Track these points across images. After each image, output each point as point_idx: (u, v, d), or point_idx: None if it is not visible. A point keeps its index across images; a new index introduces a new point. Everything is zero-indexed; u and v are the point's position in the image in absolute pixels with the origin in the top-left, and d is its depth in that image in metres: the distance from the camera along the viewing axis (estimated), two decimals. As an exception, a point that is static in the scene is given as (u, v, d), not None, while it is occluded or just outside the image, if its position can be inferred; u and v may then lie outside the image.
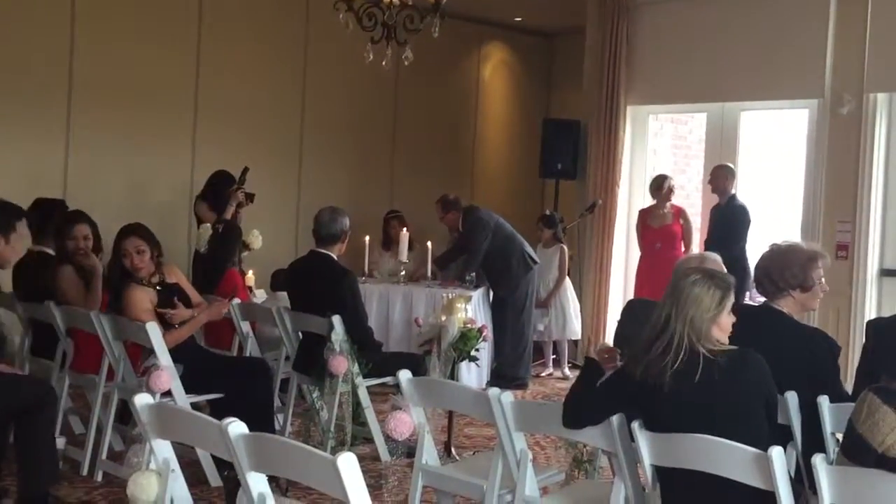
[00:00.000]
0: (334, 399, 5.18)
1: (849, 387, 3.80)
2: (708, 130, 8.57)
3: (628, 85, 8.53)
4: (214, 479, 4.66)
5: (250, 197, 6.76)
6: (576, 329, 8.32)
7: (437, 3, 6.27)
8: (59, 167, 7.36)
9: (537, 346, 8.21)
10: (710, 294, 3.10)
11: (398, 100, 9.51)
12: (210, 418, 2.79)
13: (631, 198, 8.78)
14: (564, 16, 9.41)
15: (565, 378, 8.05)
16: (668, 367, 3.04)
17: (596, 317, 8.64)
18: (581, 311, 8.44)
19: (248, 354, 5.67)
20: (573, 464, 4.26)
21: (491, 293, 7.63)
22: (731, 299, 3.16)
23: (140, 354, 4.93)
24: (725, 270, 3.94)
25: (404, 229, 7.74)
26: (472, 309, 6.51)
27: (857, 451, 2.72)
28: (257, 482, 2.68)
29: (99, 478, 4.86)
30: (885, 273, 7.27)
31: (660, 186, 7.99)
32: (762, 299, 3.91)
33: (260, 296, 7.10)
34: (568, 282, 8.34)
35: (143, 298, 4.78)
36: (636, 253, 8.37)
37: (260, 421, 4.85)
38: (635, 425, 3.14)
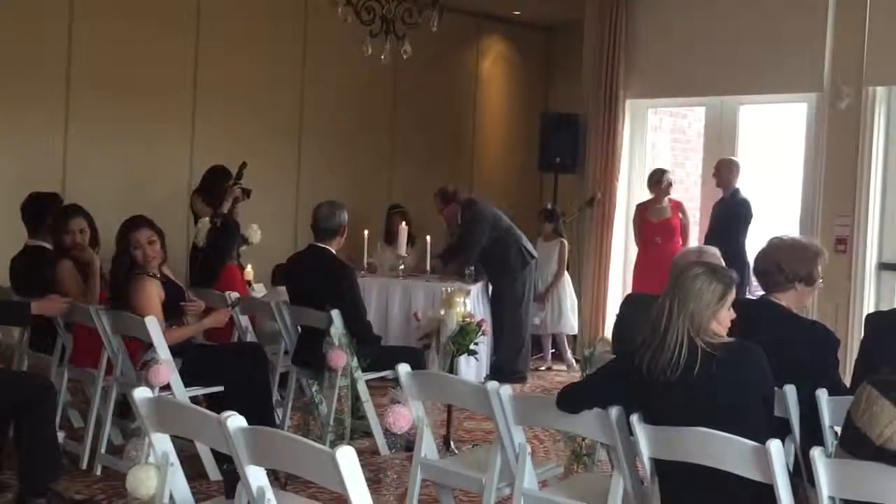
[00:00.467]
0: (333, 393, 5.18)
1: (847, 380, 3.81)
2: (707, 124, 8.57)
3: (627, 79, 8.52)
4: (214, 472, 4.67)
5: (247, 192, 6.75)
6: (572, 323, 8.32)
7: (435, -4, 6.28)
8: (56, 160, 7.34)
9: (536, 340, 8.22)
10: (711, 289, 3.11)
11: (397, 94, 9.50)
12: (209, 412, 2.79)
13: (630, 192, 8.78)
14: (563, 9, 9.40)
15: (570, 367, 8.06)
16: (668, 361, 3.05)
17: (595, 311, 8.64)
18: (580, 305, 8.45)
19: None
20: (572, 457, 4.28)
21: (489, 287, 7.63)
22: (732, 295, 3.17)
23: (139, 348, 4.93)
24: (724, 264, 3.95)
25: (403, 223, 7.74)
26: (471, 303, 6.51)
27: (856, 443, 2.73)
28: (256, 476, 2.68)
29: (98, 472, 4.86)
30: (884, 267, 7.27)
31: (658, 181, 7.98)
32: (761, 293, 3.91)
33: (259, 290, 7.10)
34: (566, 276, 8.34)
35: (155, 292, 4.81)
36: (635, 247, 8.37)
37: (259, 404, 4.89)
38: (634, 419, 3.15)
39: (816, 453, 2.75)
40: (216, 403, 4.75)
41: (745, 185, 7.58)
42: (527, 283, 7.66)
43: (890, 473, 2.61)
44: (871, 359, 3.57)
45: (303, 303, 5.50)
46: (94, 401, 5.03)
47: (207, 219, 6.48)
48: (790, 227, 7.55)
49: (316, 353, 5.22)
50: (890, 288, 7.23)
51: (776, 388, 3.38)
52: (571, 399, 3.33)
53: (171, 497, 2.98)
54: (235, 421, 2.64)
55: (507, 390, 3.50)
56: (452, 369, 5.26)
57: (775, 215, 8.38)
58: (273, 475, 2.91)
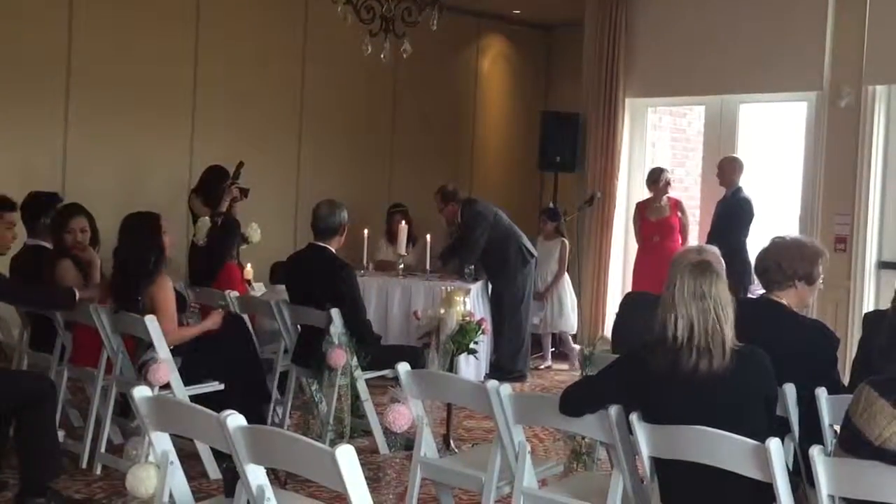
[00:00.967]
0: (333, 392, 5.18)
1: (846, 379, 3.81)
2: (706, 123, 8.57)
3: (627, 77, 8.52)
4: (213, 471, 4.67)
5: (245, 192, 6.75)
6: (572, 322, 8.32)
7: (435, -5, 6.28)
8: (56, 159, 7.35)
9: (536, 339, 8.22)
10: (726, 289, 3.11)
11: (396, 93, 9.50)
12: (209, 411, 2.79)
13: (630, 190, 8.79)
14: (563, 8, 9.40)
15: (573, 366, 8.04)
16: (680, 360, 3.04)
17: (595, 309, 8.65)
18: (580, 304, 8.45)
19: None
20: (571, 456, 4.27)
21: (489, 286, 7.63)
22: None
23: (136, 346, 4.94)
24: (724, 263, 3.96)
25: (403, 222, 7.74)
26: (471, 302, 6.51)
27: (854, 443, 2.73)
28: (256, 474, 2.68)
29: (98, 471, 4.86)
30: (884, 265, 7.27)
31: (656, 180, 7.99)
32: (761, 292, 3.91)
33: (259, 289, 7.10)
34: (566, 276, 8.34)
35: (172, 290, 4.88)
36: (635, 245, 8.38)
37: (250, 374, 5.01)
38: (633, 417, 3.15)
39: (815, 452, 2.75)
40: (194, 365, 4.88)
41: (745, 183, 7.58)
42: (527, 282, 7.66)
43: (888, 472, 2.62)
44: (869, 358, 3.57)
45: (302, 302, 5.50)
46: (93, 400, 5.03)
47: (207, 218, 6.48)
48: (790, 226, 7.56)
49: (316, 352, 5.22)
50: (889, 287, 7.21)
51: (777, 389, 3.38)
52: (574, 403, 3.30)
53: (171, 496, 2.98)
54: (235, 420, 2.64)
55: (506, 389, 3.50)
56: (452, 368, 5.26)
57: (775, 214, 8.38)
58: (273, 474, 2.91)
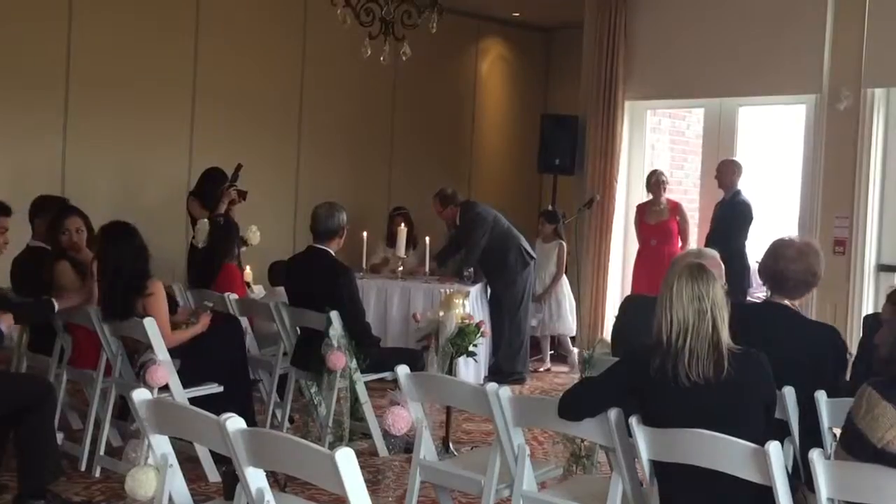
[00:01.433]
0: (332, 394, 5.18)
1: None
2: (706, 126, 8.57)
3: (626, 80, 8.53)
4: (213, 474, 4.67)
5: (243, 194, 6.75)
6: (570, 325, 8.32)
7: (434, -2, 6.28)
8: (56, 163, 7.35)
9: (535, 342, 8.21)
10: (723, 294, 3.11)
11: (396, 95, 9.50)
12: (208, 414, 2.79)
13: (629, 193, 8.79)
14: (562, 11, 9.40)
15: (573, 368, 8.04)
16: (678, 363, 3.04)
17: (594, 312, 8.64)
18: (579, 307, 8.44)
19: (247, 350, 5.69)
20: (571, 459, 4.27)
21: (488, 288, 7.64)
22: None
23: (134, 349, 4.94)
24: (723, 266, 3.95)
25: (402, 224, 7.74)
26: (470, 304, 6.51)
27: (856, 445, 2.73)
28: (255, 477, 2.68)
29: (97, 473, 4.86)
30: (883, 268, 7.27)
31: (650, 181, 8.05)
32: (760, 295, 3.90)
33: (258, 291, 7.10)
34: (565, 278, 8.34)
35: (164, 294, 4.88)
36: (634, 248, 8.38)
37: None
38: (633, 420, 3.14)
39: (815, 455, 2.75)
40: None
41: (744, 186, 7.58)
42: (526, 284, 7.66)
43: (888, 475, 2.61)
44: (868, 360, 3.57)
45: (302, 304, 5.50)
46: (92, 402, 5.03)
47: (206, 220, 6.47)
48: (789, 229, 7.55)
49: (315, 354, 5.22)
50: (888, 289, 7.22)
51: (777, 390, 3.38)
52: (573, 407, 3.29)
53: (171, 499, 2.98)
54: (235, 423, 2.64)
55: (506, 392, 3.50)
56: (451, 371, 5.26)
57: (774, 217, 8.39)
58: (272, 477, 2.91)
